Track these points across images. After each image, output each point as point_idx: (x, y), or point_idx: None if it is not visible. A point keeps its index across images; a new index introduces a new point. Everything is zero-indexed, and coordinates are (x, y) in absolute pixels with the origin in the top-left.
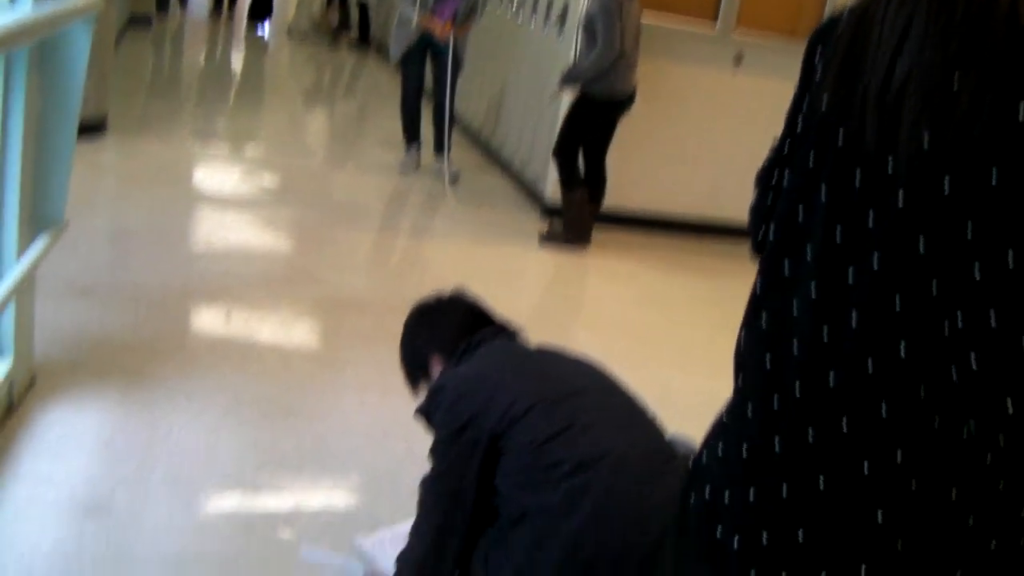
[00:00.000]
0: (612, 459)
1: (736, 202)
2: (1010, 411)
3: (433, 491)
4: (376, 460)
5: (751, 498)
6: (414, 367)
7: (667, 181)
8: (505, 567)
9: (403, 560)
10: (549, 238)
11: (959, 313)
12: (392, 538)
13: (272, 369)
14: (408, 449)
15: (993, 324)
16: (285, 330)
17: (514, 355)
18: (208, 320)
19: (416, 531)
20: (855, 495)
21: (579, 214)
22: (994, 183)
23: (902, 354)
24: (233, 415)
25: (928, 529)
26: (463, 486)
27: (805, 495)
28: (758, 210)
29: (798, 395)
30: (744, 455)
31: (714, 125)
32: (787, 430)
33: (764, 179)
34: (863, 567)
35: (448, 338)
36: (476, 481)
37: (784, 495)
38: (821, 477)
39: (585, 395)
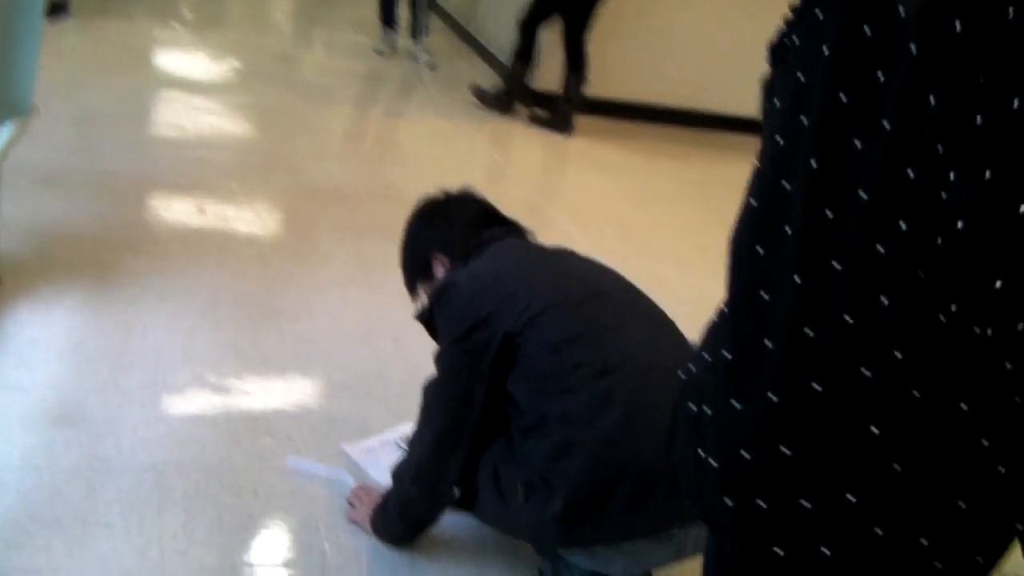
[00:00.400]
0: (639, 364)
1: (726, 92)
2: (997, 286)
3: (438, 396)
4: (363, 361)
5: (736, 409)
6: (415, 268)
7: (654, 69)
8: (518, 479)
9: (400, 472)
10: (480, 96)
11: (953, 173)
12: (382, 445)
13: (250, 264)
14: (396, 348)
15: (987, 176)
16: (262, 223)
17: (530, 254)
18: (182, 212)
19: (417, 440)
20: (851, 403)
21: (515, 86)
22: (1010, 19)
23: (903, 228)
24: (211, 315)
25: (932, 447)
26: (472, 391)
27: (796, 404)
28: (769, 87)
29: (799, 283)
30: (730, 359)
31: (705, 10)
32: (781, 328)
33: (776, 50)
34: (848, 495)
35: (455, 237)
36: (487, 385)
37: (774, 404)
38: (815, 382)
39: (607, 297)
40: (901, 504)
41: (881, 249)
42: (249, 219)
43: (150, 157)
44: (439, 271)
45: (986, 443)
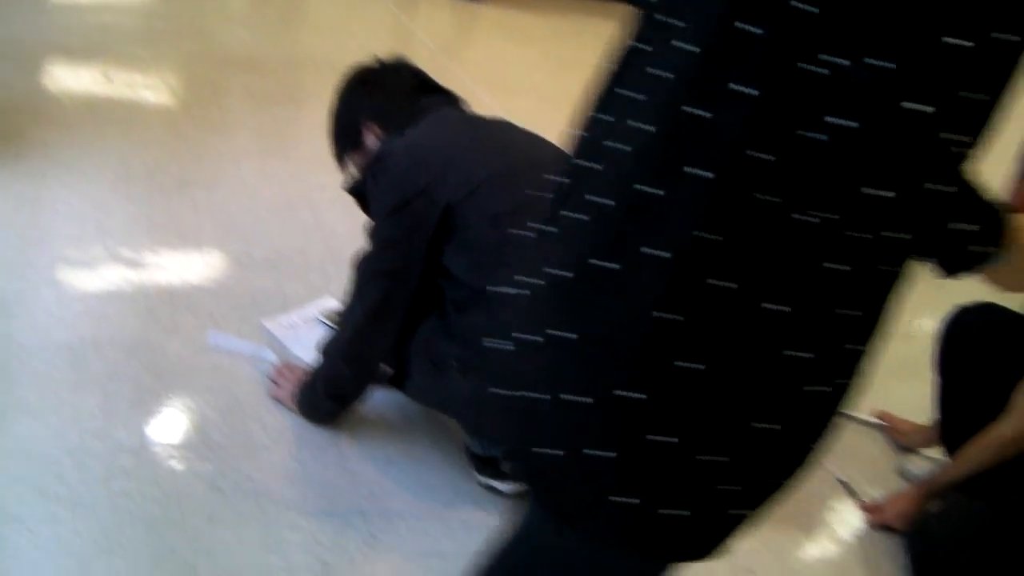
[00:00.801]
0: None
1: None
2: (891, 196)
3: (371, 269)
4: (281, 234)
5: (535, 284)
6: (346, 138)
7: None
8: (451, 355)
9: (329, 348)
10: None
11: (834, 50)
12: (304, 321)
13: (162, 134)
14: (315, 220)
15: (893, 67)
16: (172, 91)
17: (469, 123)
18: (88, 80)
19: (348, 315)
20: (640, 283)
21: None
22: None
23: (750, 93)
24: (123, 187)
25: (738, 349)
26: (407, 263)
27: (578, 281)
28: None
29: (623, 149)
30: (538, 231)
31: None
32: (579, 196)
33: None
34: (626, 392)
35: (389, 106)
36: (423, 258)
37: (555, 277)
38: (598, 260)
39: (548, 169)
40: (696, 409)
41: (704, 113)
42: (158, 87)
43: (50, 23)
44: (371, 141)
45: (806, 355)
